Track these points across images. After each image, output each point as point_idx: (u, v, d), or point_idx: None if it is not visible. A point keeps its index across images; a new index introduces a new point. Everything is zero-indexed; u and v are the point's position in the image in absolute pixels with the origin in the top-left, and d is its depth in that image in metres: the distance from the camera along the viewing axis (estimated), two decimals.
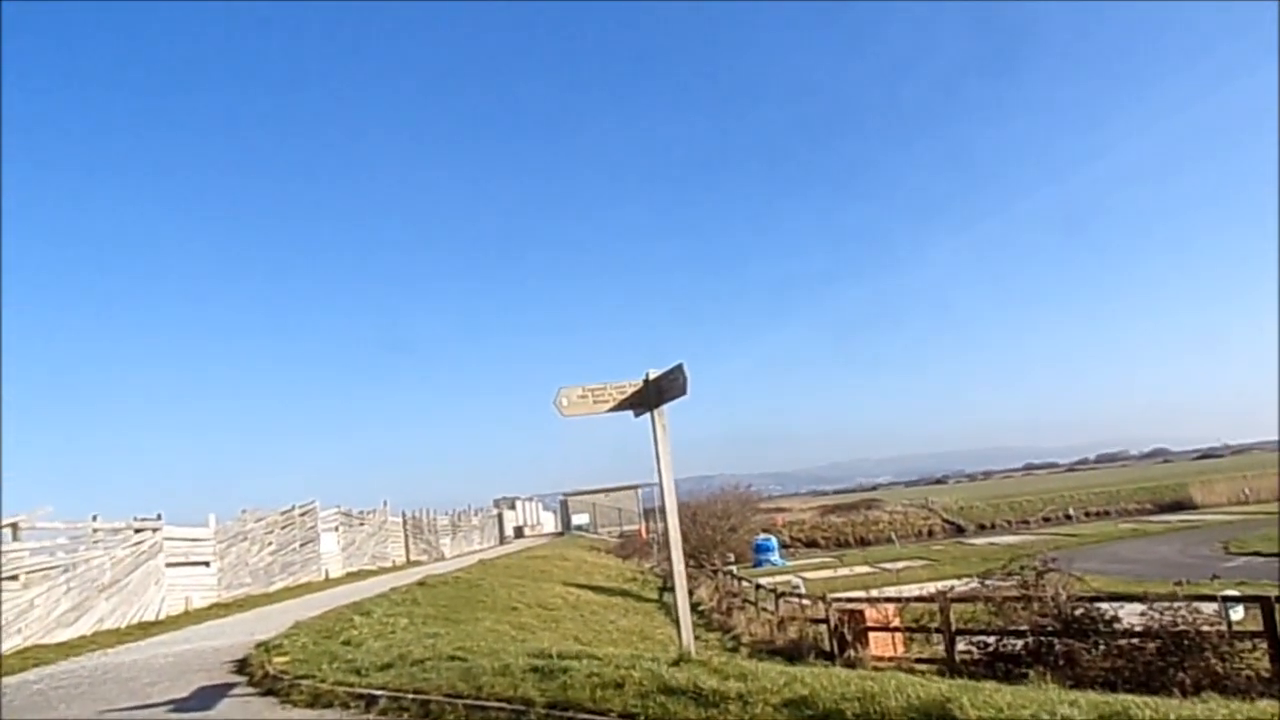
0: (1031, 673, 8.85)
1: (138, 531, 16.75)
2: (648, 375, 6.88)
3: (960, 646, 11.69)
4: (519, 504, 57.01)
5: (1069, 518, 60.65)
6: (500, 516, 52.07)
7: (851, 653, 12.49)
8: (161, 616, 16.51)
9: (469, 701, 5.91)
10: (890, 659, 12.29)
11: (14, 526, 14.04)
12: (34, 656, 12.18)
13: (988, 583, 12.44)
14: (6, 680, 10.38)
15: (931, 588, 15.16)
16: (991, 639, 11.23)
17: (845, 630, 12.99)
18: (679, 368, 6.33)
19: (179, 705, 7.54)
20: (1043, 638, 10.36)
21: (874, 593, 15.42)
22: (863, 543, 58.45)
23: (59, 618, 14.18)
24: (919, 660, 11.93)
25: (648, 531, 47.64)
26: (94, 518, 15.90)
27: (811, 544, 59.38)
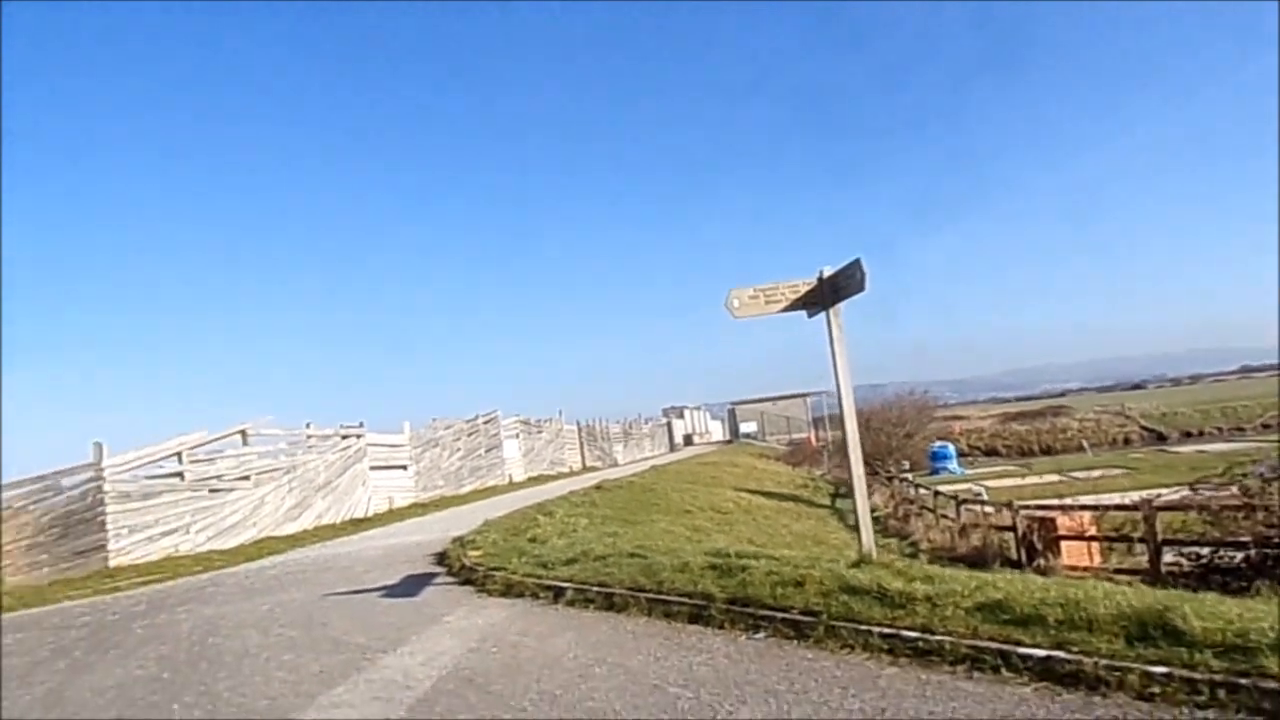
0: (1261, 586, 8.03)
1: (344, 438, 18.38)
2: (821, 273, 6.57)
3: (1167, 558, 10.84)
4: (687, 413, 57.83)
5: None
6: (669, 425, 53.10)
7: (1041, 561, 11.88)
8: (368, 514, 18.18)
9: (650, 595, 6.07)
10: (1085, 569, 11.59)
11: (243, 433, 15.78)
12: (267, 547, 13.79)
13: (1203, 490, 11.35)
14: (247, 566, 11.83)
15: (1135, 496, 14.03)
16: (1205, 550, 10.32)
17: (1035, 538, 12.34)
18: (856, 263, 5.98)
19: (389, 590, 8.27)
20: (1269, 550, 9.39)
21: (1068, 501, 14.49)
22: (1048, 451, 55.17)
23: (285, 513, 15.93)
24: (1118, 571, 11.17)
25: (817, 439, 47.23)
26: (307, 425, 17.58)
27: (991, 452, 56.76)
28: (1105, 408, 69.39)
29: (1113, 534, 12.28)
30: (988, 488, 24.62)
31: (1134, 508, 11.71)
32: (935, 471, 37.10)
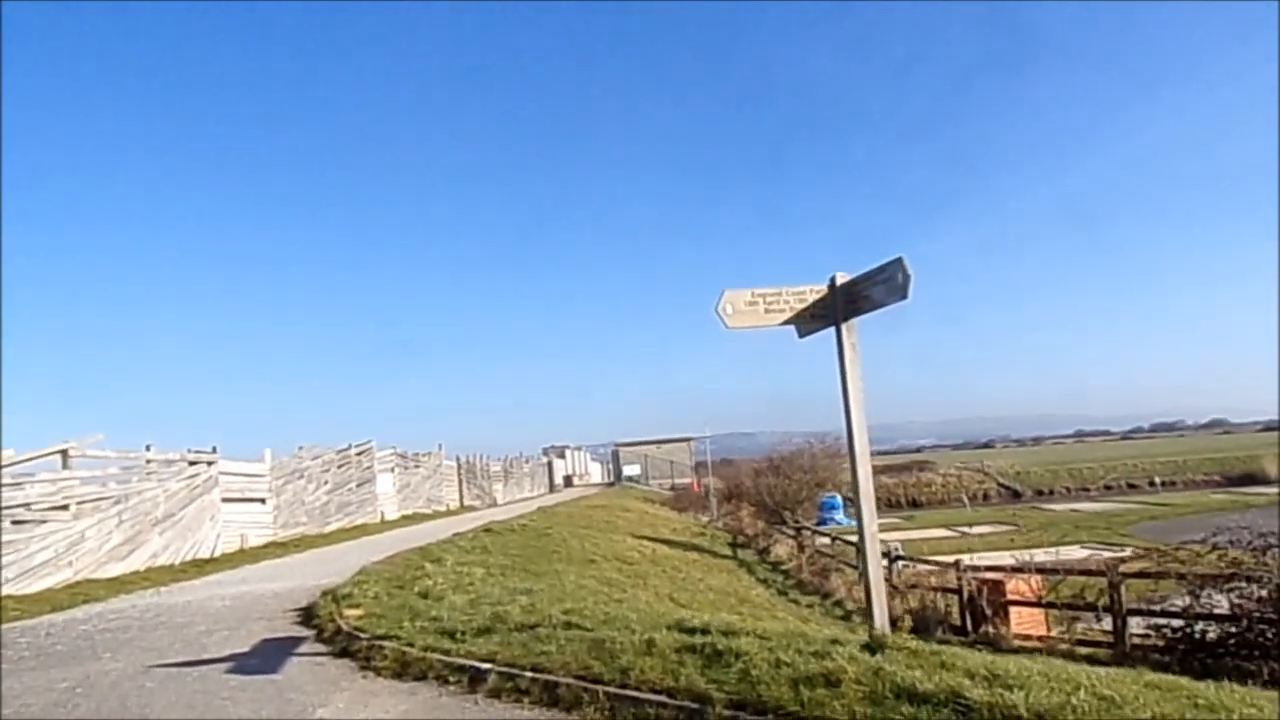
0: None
1: (192, 464, 15.83)
2: (833, 279, 5.34)
3: (1134, 629, 10.01)
4: (568, 453, 56.37)
5: (1134, 486, 57.73)
6: (550, 465, 51.52)
7: (989, 629, 10.97)
8: (216, 554, 15.69)
9: (612, 689, 4.53)
10: (1039, 639, 10.73)
11: (64, 454, 13.14)
12: (84, 592, 11.33)
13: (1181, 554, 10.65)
14: (52, 618, 9.44)
15: (1040, 556, 13.45)
16: (1177, 623, 9.55)
17: (983, 603, 11.43)
18: (897, 262, 4.66)
19: (239, 664, 6.35)
20: (1263, 625, 8.66)
21: (975, 559, 13.72)
22: (914, 504, 56.93)
23: (111, 551, 13.33)
24: (1080, 643, 10.29)
25: (699, 484, 46.37)
26: (148, 447, 15.05)
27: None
28: (965, 464, 72.43)
29: (1078, 601, 11.39)
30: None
31: (1100, 572, 10.96)
32: (823, 522, 36.73)
